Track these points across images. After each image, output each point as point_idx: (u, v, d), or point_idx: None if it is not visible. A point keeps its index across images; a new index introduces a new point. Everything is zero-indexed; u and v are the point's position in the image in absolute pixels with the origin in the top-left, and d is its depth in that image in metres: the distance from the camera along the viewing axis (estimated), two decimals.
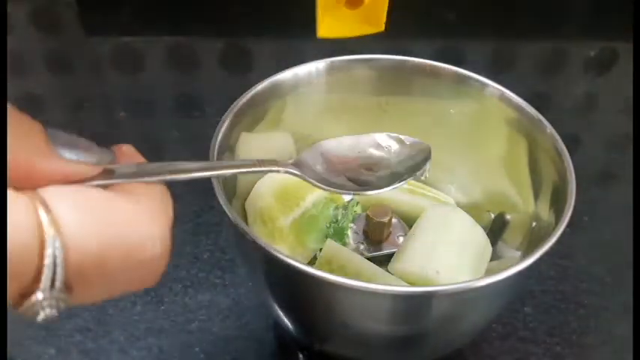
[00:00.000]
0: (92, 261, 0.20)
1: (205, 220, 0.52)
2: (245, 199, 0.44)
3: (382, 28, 0.38)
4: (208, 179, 0.35)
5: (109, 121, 0.64)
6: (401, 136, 0.38)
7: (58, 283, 0.19)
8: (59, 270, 0.19)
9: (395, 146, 0.38)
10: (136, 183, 0.23)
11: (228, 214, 0.34)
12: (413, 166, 0.37)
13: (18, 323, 0.44)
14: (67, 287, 0.20)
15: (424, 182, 0.48)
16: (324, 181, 0.35)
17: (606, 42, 0.76)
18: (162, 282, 0.47)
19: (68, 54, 0.73)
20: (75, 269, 0.19)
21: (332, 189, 0.35)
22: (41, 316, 0.20)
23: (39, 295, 0.19)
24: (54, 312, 0.20)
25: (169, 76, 0.70)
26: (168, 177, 0.25)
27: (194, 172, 0.26)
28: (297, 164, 0.35)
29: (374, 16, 0.37)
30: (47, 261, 0.19)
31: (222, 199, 0.34)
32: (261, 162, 0.32)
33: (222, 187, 0.35)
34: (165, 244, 0.23)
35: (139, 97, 0.67)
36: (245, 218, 0.43)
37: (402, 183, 0.36)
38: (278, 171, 0.33)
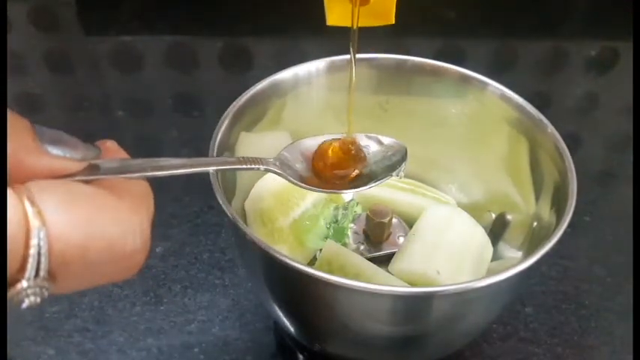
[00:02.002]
0: (75, 252, 0.20)
1: (205, 221, 0.52)
2: (245, 200, 0.44)
3: (392, 21, 0.38)
4: (206, 176, 0.35)
5: (108, 120, 0.64)
6: (379, 136, 0.39)
7: (42, 272, 0.20)
8: (43, 260, 0.20)
9: (373, 146, 0.38)
10: (119, 179, 0.24)
11: (228, 214, 0.34)
12: (390, 165, 0.37)
13: (17, 324, 0.44)
14: (51, 276, 0.20)
15: (425, 182, 0.48)
16: (304, 179, 0.35)
17: (607, 41, 0.76)
18: (161, 282, 0.47)
19: (67, 53, 0.73)
20: (58, 259, 0.20)
21: (310, 187, 0.35)
22: (25, 304, 0.20)
23: (24, 284, 0.20)
24: (37, 299, 0.20)
25: (168, 75, 0.69)
26: (151, 173, 0.25)
27: (176, 168, 0.27)
28: (278, 162, 0.35)
29: (383, 10, 0.37)
30: (32, 251, 0.19)
31: (221, 200, 0.34)
32: (244, 159, 0.32)
33: (221, 188, 0.35)
34: (145, 237, 0.23)
35: (138, 96, 0.67)
36: (244, 218, 0.43)
37: (378, 182, 0.36)
38: (259, 169, 0.33)
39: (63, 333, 0.44)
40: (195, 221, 0.52)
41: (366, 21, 0.37)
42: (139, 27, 0.76)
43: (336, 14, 0.37)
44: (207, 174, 0.35)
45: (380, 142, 0.39)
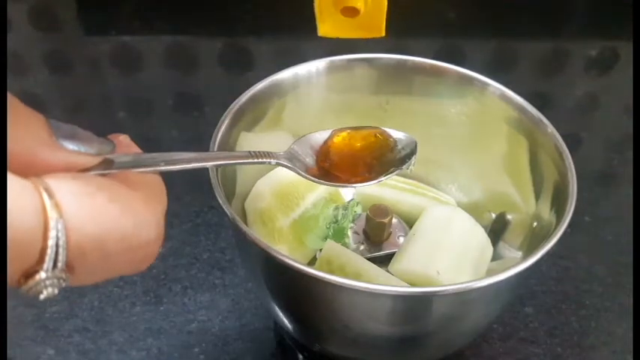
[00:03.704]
0: (92, 243, 0.21)
1: (205, 221, 0.52)
2: (245, 199, 0.44)
3: (382, 33, 0.38)
4: (207, 176, 0.35)
5: (108, 120, 0.64)
6: (388, 130, 0.38)
7: (60, 264, 0.20)
8: (61, 251, 0.20)
9: None
10: (133, 172, 0.24)
11: (228, 214, 0.34)
12: (399, 159, 0.37)
13: (17, 324, 0.44)
14: (69, 267, 0.21)
15: (425, 182, 0.48)
16: (314, 174, 0.35)
17: (607, 41, 0.76)
18: (161, 282, 0.47)
19: (67, 53, 0.73)
20: (76, 250, 0.20)
21: (320, 181, 0.35)
22: (44, 295, 0.21)
23: (42, 275, 0.20)
24: (55, 290, 0.21)
25: (169, 75, 0.69)
26: (163, 167, 0.26)
27: (187, 162, 0.27)
28: (288, 156, 0.35)
29: (373, 23, 0.37)
30: (50, 242, 0.20)
31: (221, 199, 0.34)
32: (254, 154, 0.33)
33: (221, 188, 0.35)
34: (159, 229, 0.24)
35: (138, 96, 0.67)
36: (244, 218, 0.43)
37: (388, 176, 0.36)
38: (270, 162, 0.33)
39: (63, 333, 0.44)
40: (195, 221, 0.52)
41: (357, 33, 0.38)
42: (139, 27, 0.76)
43: (327, 25, 0.37)
44: (208, 174, 0.35)
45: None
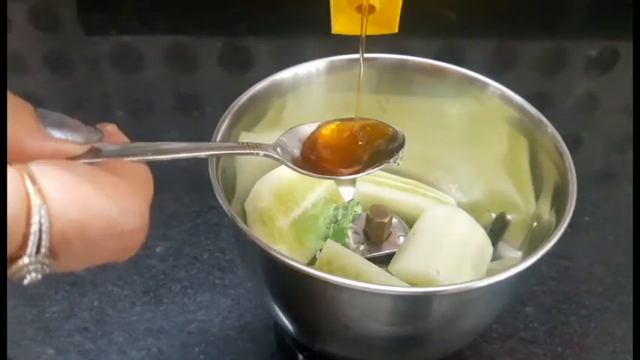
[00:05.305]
0: (75, 230, 0.21)
1: (205, 221, 0.52)
2: (245, 200, 0.44)
3: (395, 30, 0.38)
4: (206, 176, 0.35)
5: (108, 120, 0.63)
6: (377, 122, 0.38)
7: (43, 249, 0.20)
8: (44, 236, 0.20)
9: None
10: (120, 161, 0.24)
11: (228, 214, 0.34)
12: (388, 152, 0.37)
13: (17, 324, 0.44)
14: (52, 254, 0.21)
15: (425, 182, 0.48)
16: (302, 165, 0.35)
17: (607, 41, 0.76)
18: (161, 282, 0.47)
19: (67, 53, 0.73)
20: (59, 236, 0.21)
21: (309, 173, 0.35)
22: (27, 280, 0.21)
23: (25, 260, 0.20)
24: (39, 276, 0.21)
25: (169, 75, 0.69)
26: (152, 157, 0.26)
27: (176, 152, 0.27)
28: (276, 148, 0.35)
29: (387, 20, 0.38)
30: (33, 228, 0.20)
31: (221, 200, 0.34)
32: (244, 145, 0.33)
33: (221, 187, 0.35)
34: (144, 218, 0.24)
35: (138, 96, 0.67)
36: (244, 218, 0.43)
37: (375, 169, 0.36)
38: (258, 154, 0.33)
39: (63, 333, 0.44)
40: (195, 221, 0.52)
41: (371, 29, 0.38)
42: (139, 27, 0.76)
43: (342, 23, 0.38)
44: (207, 174, 0.35)
45: None
